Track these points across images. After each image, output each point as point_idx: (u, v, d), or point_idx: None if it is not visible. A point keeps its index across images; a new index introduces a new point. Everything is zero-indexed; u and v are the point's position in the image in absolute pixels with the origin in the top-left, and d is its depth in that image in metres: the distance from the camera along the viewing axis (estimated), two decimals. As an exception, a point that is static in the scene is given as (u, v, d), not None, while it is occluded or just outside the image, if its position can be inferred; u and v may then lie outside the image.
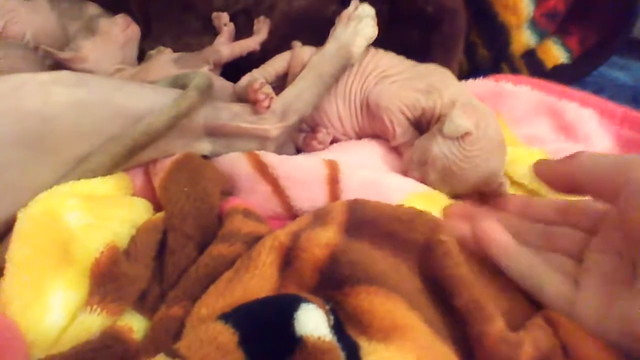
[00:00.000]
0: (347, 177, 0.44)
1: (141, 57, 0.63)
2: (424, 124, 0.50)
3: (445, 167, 0.45)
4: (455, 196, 0.47)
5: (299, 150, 0.55)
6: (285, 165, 0.45)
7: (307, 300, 0.30)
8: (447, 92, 0.49)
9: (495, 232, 0.37)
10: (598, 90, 0.64)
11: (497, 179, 0.46)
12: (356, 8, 0.55)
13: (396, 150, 0.52)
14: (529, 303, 0.36)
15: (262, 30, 0.60)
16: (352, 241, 0.36)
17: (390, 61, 0.55)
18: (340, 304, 0.33)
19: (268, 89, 0.48)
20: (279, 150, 0.50)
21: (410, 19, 0.57)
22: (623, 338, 0.31)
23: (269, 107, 0.48)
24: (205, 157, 0.47)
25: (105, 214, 0.37)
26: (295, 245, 0.35)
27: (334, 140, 0.55)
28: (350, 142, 0.54)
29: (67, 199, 0.37)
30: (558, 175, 0.37)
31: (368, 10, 0.55)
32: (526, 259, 0.36)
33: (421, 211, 0.39)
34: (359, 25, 0.54)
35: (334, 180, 0.44)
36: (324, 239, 0.35)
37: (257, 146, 0.48)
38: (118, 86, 0.44)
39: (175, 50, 0.62)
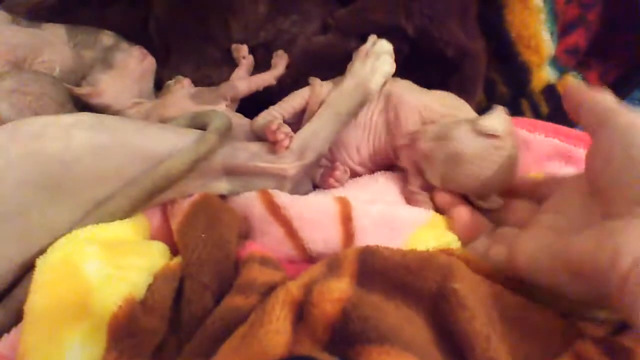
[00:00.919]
0: (359, 214, 0.44)
1: (159, 86, 0.63)
2: None
3: (455, 153, 0.44)
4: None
5: (316, 186, 0.55)
6: (297, 205, 0.45)
7: (322, 365, 0.30)
8: (462, 114, 0.50)
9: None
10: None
11: (489, 194, 0.46)
12: (374, 44, 0.55)
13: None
14: (554, 340, 0.36)
15: (279, 64, 0.60)
16: (364, 293, 0.35)
17: (410, 86, 0.55)
18: None
19: (286, 129, 0.48)
20: (296, 188, 0.50)
21: (430, 60, 0.57)
22: (558, 273, 0.34)
23: (288, 146, 0.48)
24: (222, 196, 0.48)
25: (123, 262, 0.38)
26: (307, 300, 0.35)
27: (352, 174, 0.55)
28: (363, 178, 0.54)
29: (86, 246, 0.37)
30: (574, 101, 0.39)
31: (386, 47, 0.55)
32: (482, 243, 0.42)
33: (432, 255, 0.38)
34: (377, 62, 0.54)
35: (346, 219, 0.44)
36: (336, 293, 0.34)
37: (275, 185, 0.48)
38: (139, 128, 0.45)
39: (193, 80, 0.62)
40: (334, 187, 0.52)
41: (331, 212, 0.44)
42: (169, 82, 0.62)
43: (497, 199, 0.46)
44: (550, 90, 0.66)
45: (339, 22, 0.59)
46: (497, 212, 0.46)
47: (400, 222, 0.44)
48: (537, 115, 0.66)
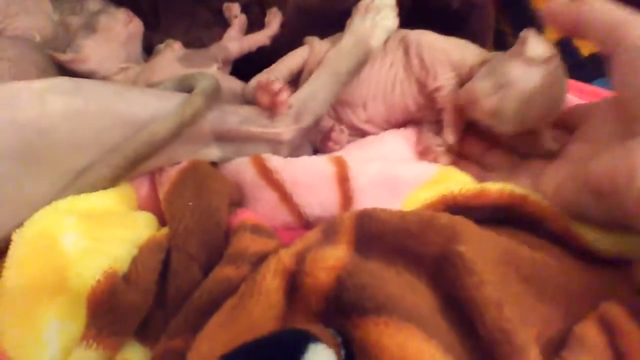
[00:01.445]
0: (357, 174, 0.41)
1: (150, 51, 0.60)
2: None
3: (524, 94, 0.41)
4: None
5: (317, 152, 0.51)
6: (289, 168, 0.42)
7: (315, 339, 0.27)
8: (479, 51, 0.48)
9: None
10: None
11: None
12: (375, -2, 0.52)
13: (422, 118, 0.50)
14: (577, 301, 0.33)
15: (272, 23, 0.57)
16: (362, 260, 0.33)
17: (424, 32, 0.51)
18: (350, 335, 0.30)
19: (280, 82, 0.45)
20: (295, 154, 0.47)
21: (435, 13, 0.53)
22: (581, 196, 0.35)
23: (289, 105, 0.44)
24: (214, 163, 0.45)
25: (105, 234, 0.35)
26: (300, 268, 0.32)
27: (360, 133, 0.51)
28: (367, 138, 0.51)
29: (65, 217, 0.35)
30: (564, 15, 0.38)
31: (387, 0, 0.51)
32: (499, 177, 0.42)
33: (434, 216, 0.35)
34: (378, 17, 0.50)
35: (343, 180, 0.41)
36: (330, 260, 0.32)
37: (270, 150, 0.45)
38: (118, 92, 0.42)
39: (184, 43, 0.59)
40: (333, 150, 0.49)
41: (326, 173, 0.41)
42: (159, 46, 0.59)
43: (559, 139, 0.44)
44: (565, 43, 0.62)
45: (336, -25, 0.55)
46: (528, 144, 0.44)
47: (400, 181, 0.41)
48: (552, 69, 0.62)
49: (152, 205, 0.42)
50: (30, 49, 0.50)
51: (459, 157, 0.47)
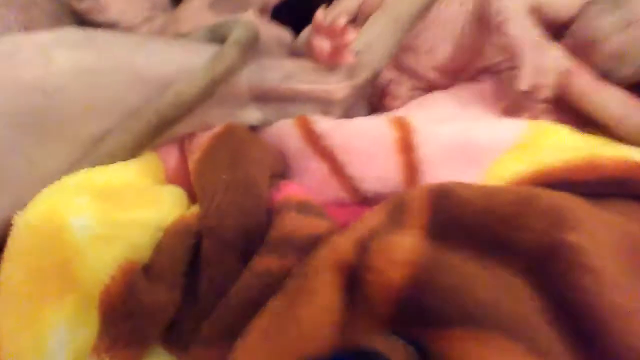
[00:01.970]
0: (424, 139, 0.35)
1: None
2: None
3: (624, 44, 0.37)
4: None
5: (373, 111, 0.45)
6: (341, 132, 0.36)
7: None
8: None
9: None
10: None
11: None
12: None
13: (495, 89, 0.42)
14: None
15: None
16: (441, 253, 0.26)
17: None
18: (428, 349, 0.24)
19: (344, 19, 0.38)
20: (349, 115, 0.41)
21: None
22: None
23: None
24: (253, 127, 0.40)
25: (122, 216, 0.30)
26: (362, 262, 0.26)
27: (426, 85, 0.45)
28: (433, 95, 0.44)
29: (75, 196, 0.30)
30: None
31: None
32: None
33: (533, 194, 0.28)
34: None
35: (407, 147, 0.35)
36: (401, 252, 0.26)
37: (318, 111, 0.39)
38: (137, 44, 0.36)
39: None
40: (392, 107, 0.43)
41: (386, 139, 0.35)
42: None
43: None
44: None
45: None
46: None
47: (479, 147, 0.35)
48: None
49: (182, 177, 0.37)
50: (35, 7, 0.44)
51: None
